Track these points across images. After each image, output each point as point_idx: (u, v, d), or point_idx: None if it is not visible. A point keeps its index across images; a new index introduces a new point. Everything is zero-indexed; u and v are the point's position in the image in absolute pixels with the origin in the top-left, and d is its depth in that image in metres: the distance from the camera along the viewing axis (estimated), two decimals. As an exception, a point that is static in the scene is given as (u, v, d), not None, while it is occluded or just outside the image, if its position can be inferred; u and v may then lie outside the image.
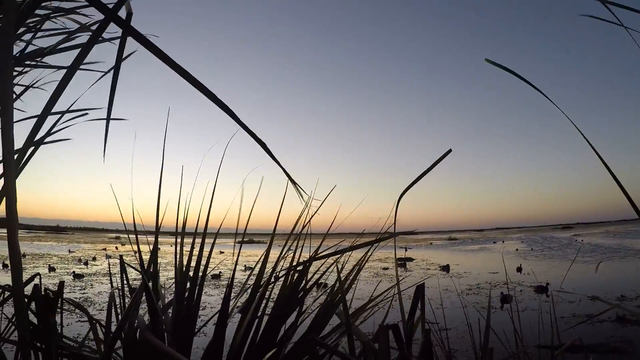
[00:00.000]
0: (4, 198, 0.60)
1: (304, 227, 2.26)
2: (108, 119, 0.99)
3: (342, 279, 1.96)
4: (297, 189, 1.09)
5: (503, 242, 64.50)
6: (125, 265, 2.16)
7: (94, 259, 37.48)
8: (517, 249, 42.47)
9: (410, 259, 31.20)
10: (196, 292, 2.06)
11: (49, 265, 30.27)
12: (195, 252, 2.16)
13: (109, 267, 3.25)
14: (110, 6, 0.81)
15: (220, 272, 24.83)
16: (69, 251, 50.37)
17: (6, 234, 0.63)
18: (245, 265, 26.45)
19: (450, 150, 1.61)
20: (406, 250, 45.35)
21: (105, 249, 57.54)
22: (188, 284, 2.07)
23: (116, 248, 62.31)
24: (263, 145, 0.94)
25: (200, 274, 2.13)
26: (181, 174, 2.11)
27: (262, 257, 2.23)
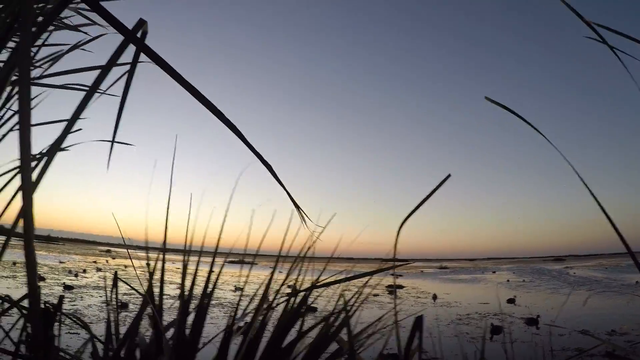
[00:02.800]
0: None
1: (307, 250, 2.27)
2: (113, 141, 1.00)
3: (341, 305, 1.97)
4: (301, 214, 1.11)
5: (494, 272, 64.19)
6: (118, 279, 2.16)
7: (85, 271, 37.11)
8: (508, 280, 42.39)
9: (401, 287, 31.08)
10: (199, 312, 2.07)
11: (40, 274, 29.99)
12: (198, 272, 2.17)
13: (104, 280, 3.25)
14: (130, 27, 0.84)
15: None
16: (60, 262, 49.62)
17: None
18: (235, 286, 26.26)
19: (449, 176, 1.62)
20: (397, 277, 45.20)
21: (95, 262, 56.99)
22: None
23: (107, 261, 61.58)
24: (270, 169, 0.95)
25: (208, 292, 2.14)
26: (190, 195, 2.11)
27: (268, 280, 2.24)
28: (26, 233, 0.62)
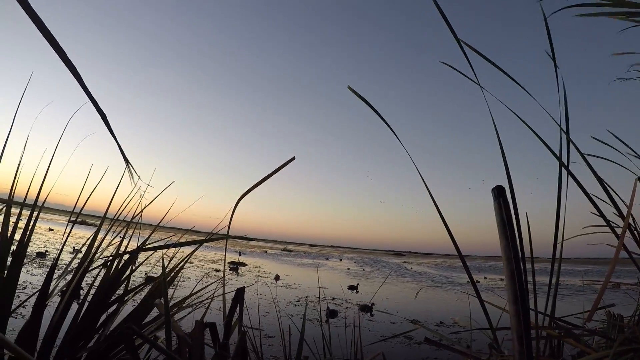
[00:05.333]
0: None
1: (134, 215, 2.20)
2: None
3: (167, 271, 1.93)
4: (130, 170, 1.04)
5: (339, 259, 66.08)
6: None
7: None
8: (348, 268, 43.71)
9: (243, 264, 31.03)
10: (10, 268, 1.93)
11: None
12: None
13: None
14: None
15: (46, 250, 23.39)
16: None
17: None
18: (74, 247, 25.02)
19: (293, 158, 1.64)
20: (240, 254, 45.23)
21: None
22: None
23: None
24: (103, 117, 0.88)
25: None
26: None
27: (90, 240, 2.14)
28: None
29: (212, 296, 2.37)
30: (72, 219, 2.36)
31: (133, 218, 2.22)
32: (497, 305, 2.26)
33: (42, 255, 22.17)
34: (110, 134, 0.91)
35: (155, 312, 2.13)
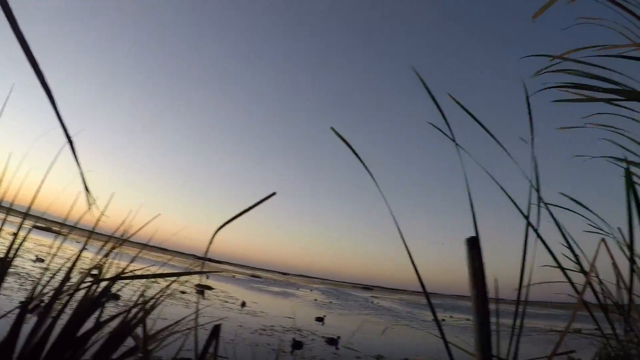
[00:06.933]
0: None
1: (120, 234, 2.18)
2: None
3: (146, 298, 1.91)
4: (88, 197, 1.03)
5: (308, 290, 65.69)
6: None
7: None
8: (316, 299, 43.44)
9: (210, 288, 30.65)
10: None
11: None
12: None
13: None
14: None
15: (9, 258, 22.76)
16: None
17: None
18: (37, 256, 24.44)
19: (274, 193, 1.66)
20: (207, 277, 44.80)
21: None
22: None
23: None
24: (70, 143, 0.88)
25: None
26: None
27: (75, 258, 2.11)
28: None
29: (187, 330, 2.35)
30: (38, 224, 2.32)
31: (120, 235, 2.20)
32: (461, 347, 2.28)
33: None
34: (75, 161, 0.91)
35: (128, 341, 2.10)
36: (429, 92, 1.89)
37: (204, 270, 1.77)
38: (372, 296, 77.49)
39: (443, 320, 30.10)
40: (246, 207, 1.63)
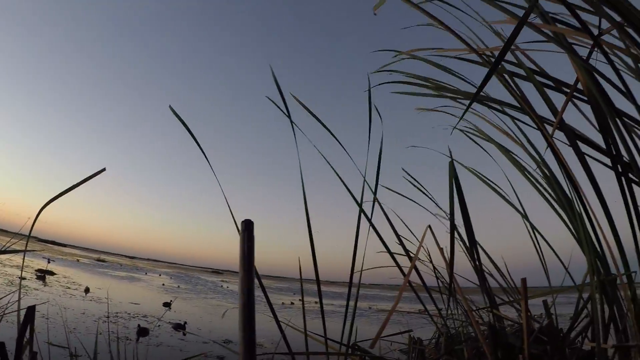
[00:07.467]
0: None
1: None
2: None
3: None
4: None
5: (156, 274, 64.04)
6: None
7: None
8: (164, 284, 42.45)
9: (52, 273, 29.02)
10: None
11: None
12: None
13: None
14: None
15: None
16: None
17: None
18: None
19: (104, 169, 1.67)
20: (49, 262, 42.34)
21: None
22: None
23: None
24: None
25: None
26: None
27: None
28: None
29: (3, 312, 2.27)
30: None
31: None
32: (298, 329, 2.39)
33: None
34: None
35: None
36: (280, 91, 1.99)
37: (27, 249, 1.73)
38: (221, 280, 77.14)
39: (292, 303, 30.66)
40: (74, 183, 1.63)
